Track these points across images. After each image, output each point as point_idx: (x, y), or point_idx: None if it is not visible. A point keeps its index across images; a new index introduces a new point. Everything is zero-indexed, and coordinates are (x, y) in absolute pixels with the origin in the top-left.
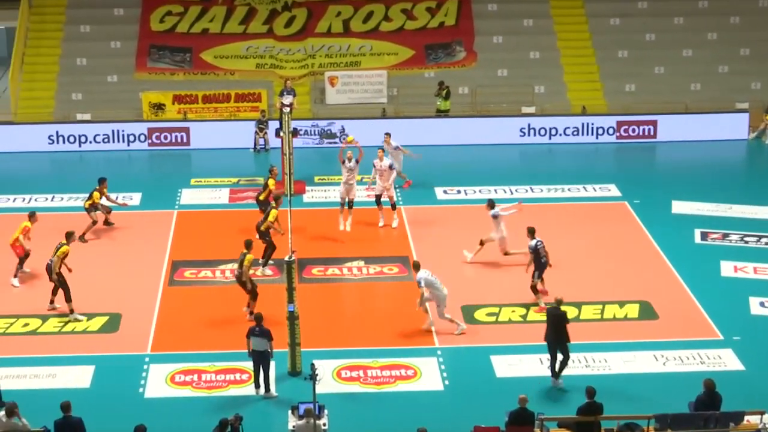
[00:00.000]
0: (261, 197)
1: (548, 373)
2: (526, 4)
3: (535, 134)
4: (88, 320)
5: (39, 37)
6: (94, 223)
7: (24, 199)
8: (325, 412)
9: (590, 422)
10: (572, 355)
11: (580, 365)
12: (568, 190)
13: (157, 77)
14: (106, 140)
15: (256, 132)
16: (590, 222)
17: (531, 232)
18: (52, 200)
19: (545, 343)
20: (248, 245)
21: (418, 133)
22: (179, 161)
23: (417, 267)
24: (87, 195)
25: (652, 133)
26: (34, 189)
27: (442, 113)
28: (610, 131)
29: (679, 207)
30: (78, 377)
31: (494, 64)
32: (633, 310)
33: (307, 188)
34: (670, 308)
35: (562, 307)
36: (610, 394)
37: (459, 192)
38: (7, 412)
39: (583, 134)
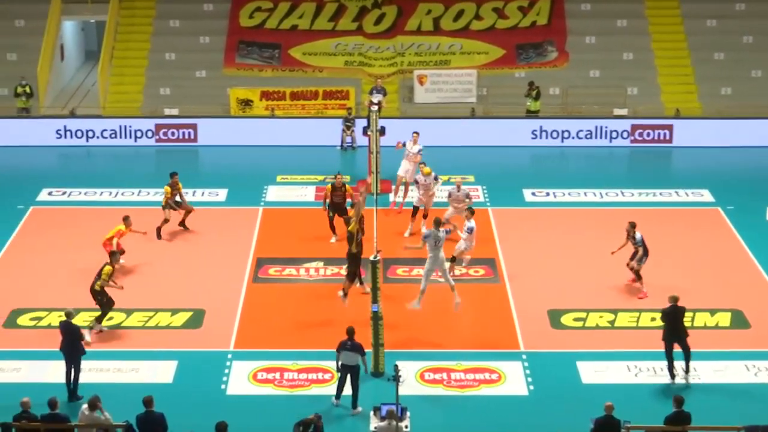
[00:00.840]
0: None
1: (636, 380)
2: (621, 4)
3: (626, 136)
4: (171, 315)
5: (128, 32)
6: (166, 221)
7: (111, 193)
8: (408, 414)
9: None
10: (660, 364)
11: (668, 373)
12: (660, 194)
13: (245, 73)
14: (190, 135)
15: (343, 130)
16: (682, 228)
17: (634, 226)
18: (138, 194)
19: (663, 344)
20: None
21: (507, 134)
22: (265, 157)
23: (437, 223)
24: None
25: (747, 137)
26: (121, 183)
27: (532, 114)
28: (706, 135)
29: None
30: (161, 372)
31: (586, 65)
32: (724, 319)
33: (392, 187)
34: (763, 317)
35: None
36: (699, 404)
37: (548, 194)
38: (90, 406)
39: (675, 137)
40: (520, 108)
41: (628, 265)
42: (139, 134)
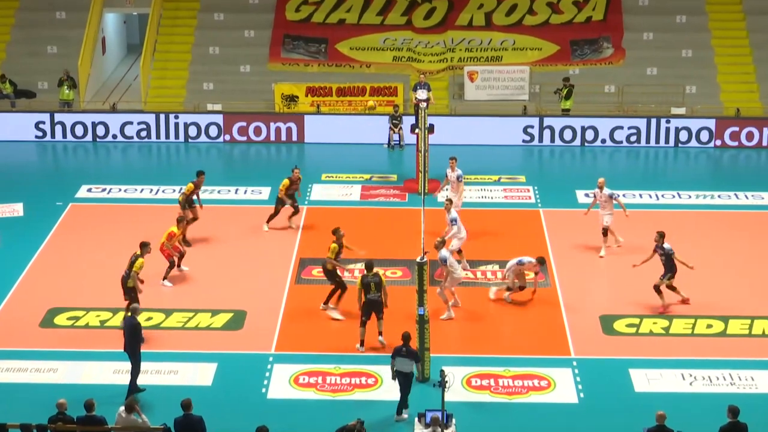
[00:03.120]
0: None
1: (690, 389)
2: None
3: (686, 136)
4: (212, 316)
5: (172, 25)
6: (187, 220)
7: (152, 190)
8: (453, 421)
9: None
10: (716, 372)
11: (725, 383)
12: (718, 197)
13: (290, 68)
14: (239, 132)
15: (390, 127)
16: (741, 231)
17: (662, 236)
18: (179, 192)
19: None
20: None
21: (560, 132)
22: (310, 155)
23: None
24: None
25: None
26: (162, 180)
27: (564, 112)
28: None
29: None
30: (200, 375)
31: (643, 62)
32: None
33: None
34: None
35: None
36: (756, 415)
37: (587, 195)
38: (127, 408)
39: (736, 138)
40: (575, 106)
41: (656, 287)
42: (177, 130)
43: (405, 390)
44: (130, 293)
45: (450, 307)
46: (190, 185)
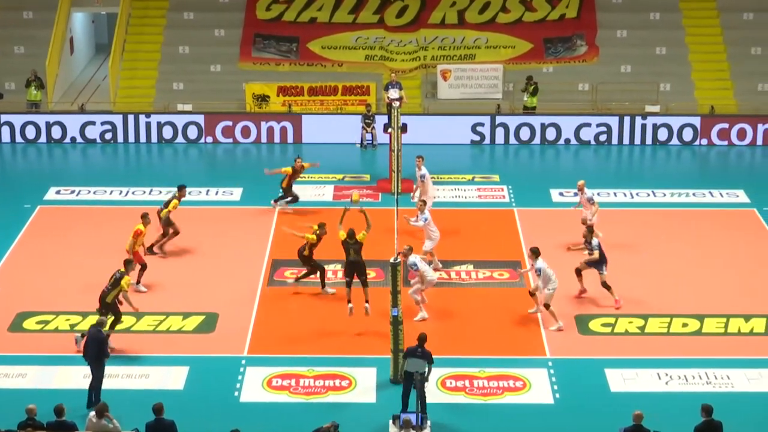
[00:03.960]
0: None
1: (666, 389)
2: None
3: (658, 134)
4: (183, 319)
5: (141, 24)
6: (173, 234)
7: (121, 192)
8: (428, 423)
9: None
10: (692, 371)
11: (701, 382)
12: (693, 194)
13: (261, 67)
14: (205, 132)
15: (362, 127)
16: (716, 229)
17: (591, 231)
18: (150, 193)
19: None
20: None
21: (534, 131)
22: (282, 155)
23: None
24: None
25: None
26: (132, 182)
27: (529, 110)
28: (741, 134)
29: None
30: (172, 378)
31: (617, 60)
32: (759, 325)
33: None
34: None
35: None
36: (731, 414)
37: (576, 194)
38: (98, 413)
39: (710, 135)
40: (549, 105)
41: (578, 269)
42: (149, 130)
43: (421, 392)
44: (109, 308)
45: (423, 308)
46: (175, 202)
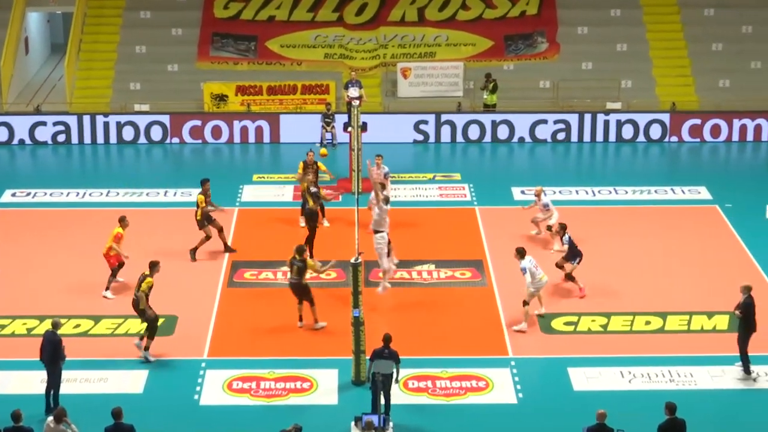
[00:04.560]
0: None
1: (630, 387)
2: None
3: (620, 131)
4: (142, 322)
5: (97, 23)
6: (208, 238)
7: (78, 194)
8: (390, 424)
9: None
10: (655, 369)
11: (664, 379)
12: (655, 192)
13: (219, 67)
14: (163, 131)
15: (322, 126)
16: (678, 226)
17: (564, 228)
18: (107, 195)
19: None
20: (300, 251)
21: (495, 129)
22: (241, 155)
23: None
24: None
25: (747, 132)
26: (89, 183)
27: (488, 108)
28: (703, 130)
29: None
30: (131, 382)
31: (578, 57)
32: (722, 322)
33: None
34: (763, 320)
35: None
36: (695, 412)
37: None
38: (56, 418)
39: (671, 132)
40: (511, 102)
41: (567, 274)
42: (107, 131)
43: (387, 393)
44: (143, 314)
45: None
46: (200, 197)
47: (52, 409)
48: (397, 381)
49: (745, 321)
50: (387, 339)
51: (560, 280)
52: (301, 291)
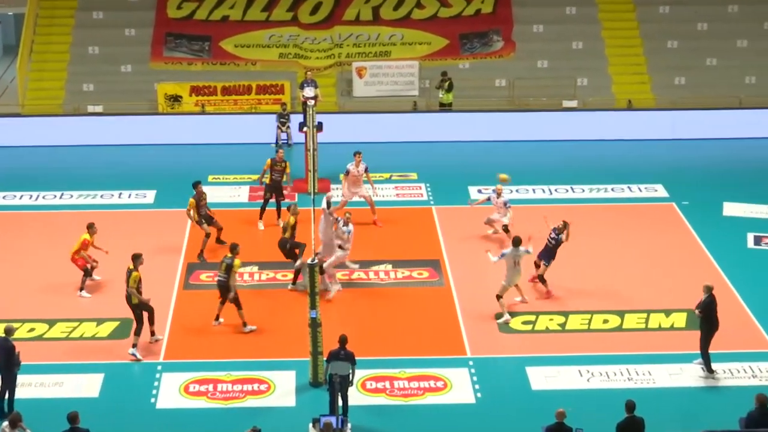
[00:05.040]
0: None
1: (588, 386)
2: None
3: (576, 130)
4: (97, 325)
5: (49, 24)
6: (208, 236)
7: (31, 197)
8: (348, 425)
9: None
10: (614, 367)
11: (622, 378)
12: (612, 190)
13: (173, 67)
14: (118, 133)
15: (277, 126)
16: (635, 224)
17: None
18: (61, 197)
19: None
20: (233, 249)
21: (452, 128)
22: (196, 156)
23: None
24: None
25: (702, 129)
26: (42, 186)
27: (445, 107)
28: (659, 127)
29: (731, 209)
30: (86, 386)
31: (534, 55)
32: (680, 320)
33: (332, 186)
34: (720, 317)
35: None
36: (654, 410)
37: (494, 191)
38: (11, 423)
39: (628, 130)
40: (468, 101)
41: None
42: (58, 132)
43: (344, 394)
44: (138, 308)
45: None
46: (192, 201)
47: (6, 414)
48: (352, 383)
49: (706, 320)
50: (343, 340)
51: (528, 280)
52: (226, 291)
